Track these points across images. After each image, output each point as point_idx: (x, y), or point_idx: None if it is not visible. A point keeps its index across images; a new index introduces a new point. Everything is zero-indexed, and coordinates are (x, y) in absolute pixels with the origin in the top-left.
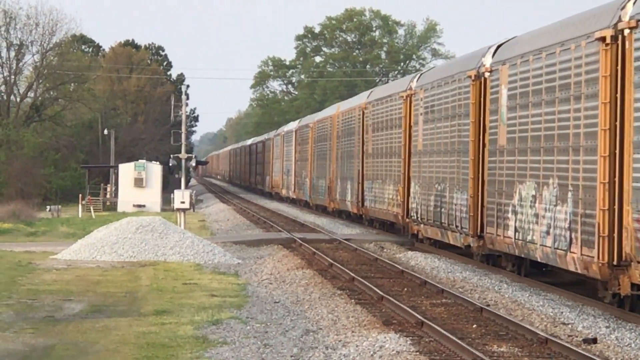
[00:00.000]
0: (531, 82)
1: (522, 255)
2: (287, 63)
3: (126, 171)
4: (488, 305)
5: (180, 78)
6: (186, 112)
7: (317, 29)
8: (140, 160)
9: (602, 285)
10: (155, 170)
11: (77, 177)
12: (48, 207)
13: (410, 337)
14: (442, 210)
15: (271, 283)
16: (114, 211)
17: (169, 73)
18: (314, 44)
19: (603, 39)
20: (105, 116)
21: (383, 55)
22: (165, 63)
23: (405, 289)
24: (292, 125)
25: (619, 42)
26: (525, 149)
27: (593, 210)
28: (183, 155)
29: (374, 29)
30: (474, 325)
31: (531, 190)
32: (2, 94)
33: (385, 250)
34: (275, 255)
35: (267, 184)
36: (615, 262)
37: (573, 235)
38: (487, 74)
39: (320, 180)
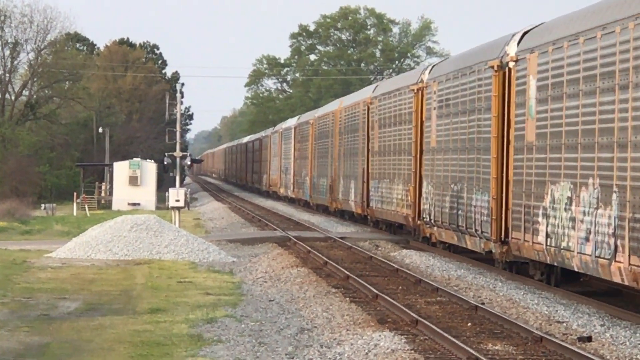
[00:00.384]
0: (566, 71)
1: (555, 264)
2: (282, 61)
3: (121, 169)
4: (483, 304)
5: (175, 76)
6: (181, 110)
7: (311, 27)
8: (135, 159)
9: None
10: (150, 168)
11: (72, 176)
12: (43, 205)
13: (405, 336)
14: (459, 212)
15: (266, 281)
16: (108, 209)
17: (163, 71)
18: (308, 42)
19: None
20: (100, 114)
21: (378, 54)
22: (160, 61)
23: (400, 287)
24: (291, 122)
25: None
26: (559, 146)
27: None
28: (178, 153)
29: (369, 27)
30: (469, 324)
31: (566, 192)
32: None
33: (380, 248)
34: (270, 253)
35: (265, 182)
36: None
37: (619, 243)
38: (511, 64)
39: (321, 179)
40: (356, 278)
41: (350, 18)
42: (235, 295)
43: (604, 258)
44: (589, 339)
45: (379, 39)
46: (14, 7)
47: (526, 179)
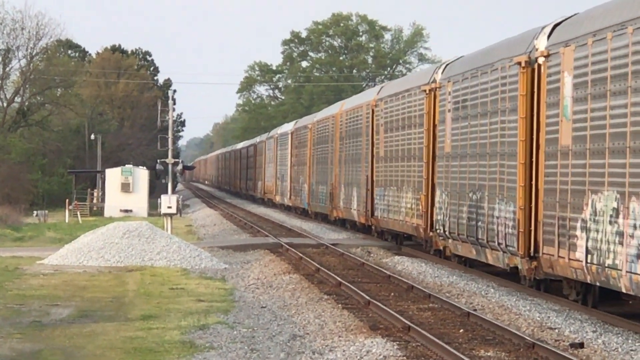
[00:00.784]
0: (610, 66)
1: (598, 283)
2: (274, 68)
3: (113, 176)
4: (475, 310)
5: (167, 83)
6: (173, 117)
7: (303, 34)
8: (127, 165)
9: None
10: (142, 175)
11: (64, 182)
12: (35, 212)
13: (397, 342)
14: (479, 223)
15: (258, 288)
16: (100, 216)
17: (155, 78)
18: (300, 48)
19: None
20: (92, 121)
21: (370, 60)
22: (152, 68)
23: (392, 294)
24: (287, 127)
25: None
26: (602, 150)
27: None
28: (170, 160)
29: (361, 33)
30: (461, 330)
31: (611, 202)
32: None
33: (372, 255)
34: (262, 260)
35: (259, 189)
36: None
37: None
38: (541, 59)
39: (320, 186)
40: (348, 284)
41: (342, 24)
42: (227, 301)
43: None
44: (581, 345)
45: (371, 45)
46: (6, 14)
47: (561, 188)
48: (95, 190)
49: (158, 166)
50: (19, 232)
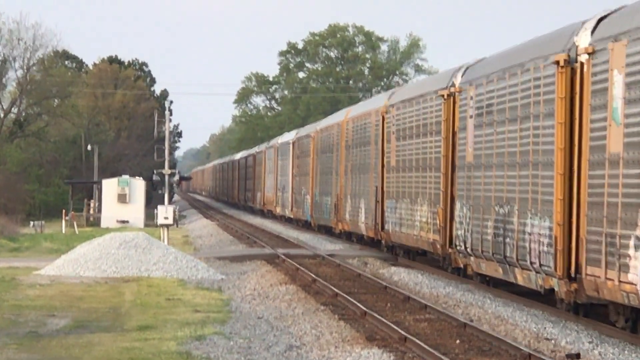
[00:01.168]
0: None
1: None
2: (270, 79)
3: (109, 187)
4: (471, 321)
5: (164, 94)
6: (169, 128)
7: (300, 45)
8: (123, 176)
9: None
10: (138, 185)
11: (61, 193)
12: (31, 222)
13: (394, 353)
14: (507, 240)
15: (254, 298)
16: (97, 227)
17: (152, 89)
18: (297, 59)
19: None
20: (89, 132)
21: (366, 71)
22: (148, 79)
23: (389, 305)
24: (288, 137)
25: None
26: None
27: None
28: (166, 170)
29: (357, 44)
30: (457, 341)
31: None
32: None
33: (368, 265)
34: (259, 270)
35: (259, 200)
36: None
37: None
38: (584, 57)
39: (324, 198)
40: (345, 295)
41: (338, 36)
42: (223, 312)
43: None
44: (578, 356)
45: (368, 56)
46: (2, 24)
47: (609, 201)
48: (92, 200)
49: (155, 177)
50: (16, 242)
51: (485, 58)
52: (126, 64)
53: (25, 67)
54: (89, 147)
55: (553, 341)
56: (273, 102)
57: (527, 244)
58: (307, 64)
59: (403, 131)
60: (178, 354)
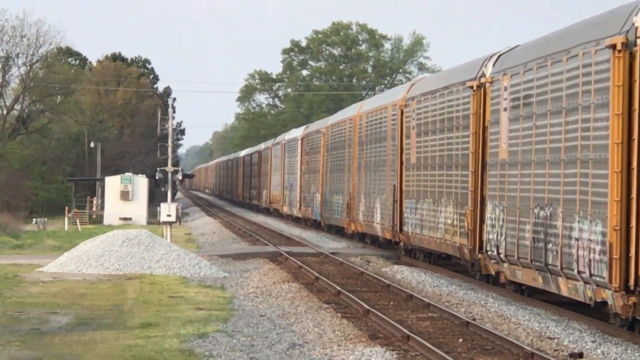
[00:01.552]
0: None
1: None
2: (274, 76)
3: (112, 184)
4: (474, 320)
5: (167, 91)
6: (172, 125)
7: (303, 43)
8: (126, 173)
9: None
10: (141, 183)
11: (64, 190)
12: (34, 219)
13: (397, 351)
14: (549, 246)
15: (257, 296)
16: (100, 224)
17: (155, 86)
18: (300, 57)
19: None
20: (92, 129)
21: (369, 69)
22: (151, 76)
23: (392, 303)
24: (296, 133)
25: None
26: None
27: None
28: (169, 168)
29: (361, 42)
30: (460, 340)
31: None
32: None
33: (371, 264)
34: (262, 268)
35: (264, 199)
36: None
37: None
38: None
39: (335, 196)
40: (347, 293)
41: (342, 33)
42: (226, 310)
43: None
44: (580, 355)
45: (371, 54)
46: (6, 21)
47: None
48: (95, 198)
49: (157, 174)
50: (18, 239)
51: (519, 46)
52: (129, 61)
53: (28, 64)
54: (91, 145)
55: (556, 340)
56: (276, 100)
57: (574, 251)
58: (311, 62)
59: (425, 126)
60: (180, 351)
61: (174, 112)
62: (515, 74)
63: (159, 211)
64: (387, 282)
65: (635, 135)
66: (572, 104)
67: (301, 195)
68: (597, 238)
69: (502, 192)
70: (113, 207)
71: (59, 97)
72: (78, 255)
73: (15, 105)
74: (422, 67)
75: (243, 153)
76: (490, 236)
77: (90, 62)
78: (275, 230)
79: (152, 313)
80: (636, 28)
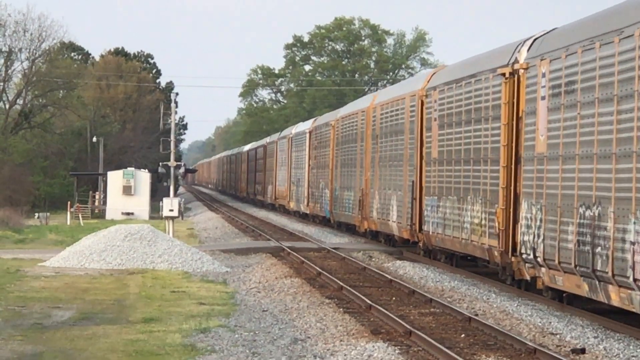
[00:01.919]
0: None
1: None
2: (276, 72)
3: (115, 179)
4: (476, 315)
5: (169, 86)
6: (175, 120)
7: (306, 38)
8: (129, 168)
9: None
10: (143, 178)
11: (66, 185)
12: (36, 214)
13: (399, 347)
14: (597, 250)
15: (259, 291)
16: (102, 219)
17: (158, 81)
18: (303, 52)
19: None
20: (94, 124)
21: (372, 65)
22: (154, 71)
23: (394, 298)
24: (304, 126)
25: None
26: None
27: None
28: (172, 163)
29: (363, 38)
30: (462, 335)
31: None
32: None
33: (373, 259)
34: (264, 263)
35: (270, 194)
36: None
37: None
38: None
39: (346, 192)
40: (350, 289)
41: (344, 29)
42: (228, 305)
43: None
44: (583, 350)
45: (373, 49)
46: (9, 16)
47: None
48: (97, 192)
49: (160, 169)
50: (21, 234)
51: (556, 28)
52: (132, 55)
53: (31, 59)
54: (94, 139)
55: (558, 336)
56: (279, 95)
57: (628, 256)
58: (313, 57)
59: (448, 117)
60: (183, 346)
61: (176, 106)
62: (556, 58)
63: (162, 206)
64: (389, 277)
65: None
66: (627, 90)
67: (309, 190)
68: None
69: (540, 189)
70: (115, 201)
71: (61, 91)
72: (80, 250)
73: (18, 100)
74: (424, 63)
75: (247, 147)
76: (526, 238)
77: (92, 57)
78: (277, 225)
79: (154, 308)
80: None
